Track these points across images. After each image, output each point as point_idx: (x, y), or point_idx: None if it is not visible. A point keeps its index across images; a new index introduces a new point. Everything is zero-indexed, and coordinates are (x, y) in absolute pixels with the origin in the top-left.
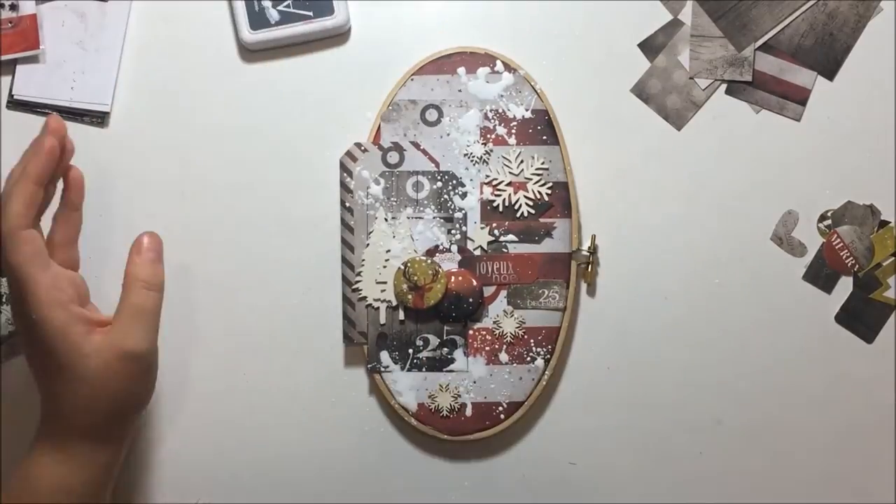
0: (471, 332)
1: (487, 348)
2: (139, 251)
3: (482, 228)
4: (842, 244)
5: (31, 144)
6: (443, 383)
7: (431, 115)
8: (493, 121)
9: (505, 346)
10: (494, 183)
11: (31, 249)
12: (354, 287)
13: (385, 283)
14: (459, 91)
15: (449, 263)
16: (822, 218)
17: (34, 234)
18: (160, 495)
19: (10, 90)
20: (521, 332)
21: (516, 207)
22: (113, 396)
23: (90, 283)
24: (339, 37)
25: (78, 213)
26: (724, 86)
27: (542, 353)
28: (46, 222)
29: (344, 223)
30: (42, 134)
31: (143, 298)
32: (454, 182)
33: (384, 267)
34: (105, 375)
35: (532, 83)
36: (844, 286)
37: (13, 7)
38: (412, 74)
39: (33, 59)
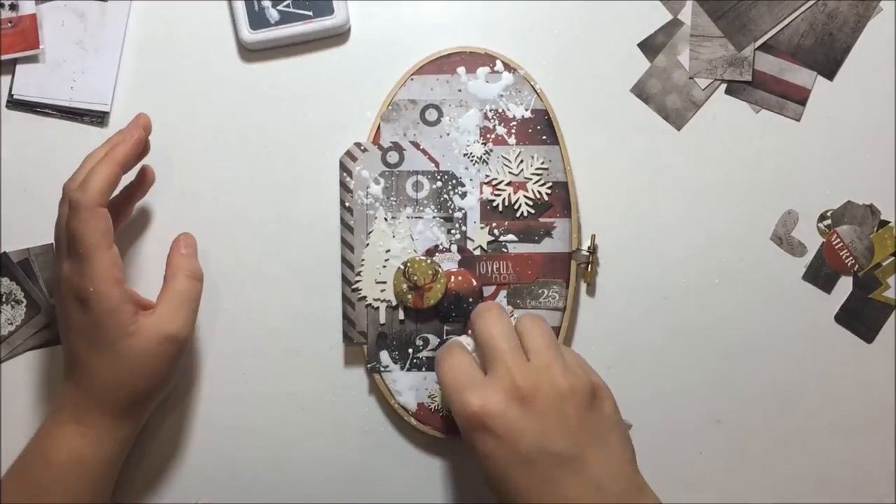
0: (470, 331)
1: None
2: (181, 246)
3: (482, 228)
4: (842, 244)
5: (118, 133)
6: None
7: (431, 114)
8: (492, 120)
9: None
10: (494, 183)
11: (103, 226)
12: (354, 287)
13: (385, 282)
14: (459, 91)
15: (449, 263)
16: (822, 218)
17: (106, 213)
18: (160, 495)
19: (10, 90)
20: None
21: (516, 207)
22: (146, 376)
23: None
24: (339, 37)
25: (132, 206)
26: (724, 86)
27: None
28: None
29: (344, 223)
30: (133, 125)
31: (188, 286)
32: (454, 182)
33: (384, 267)
34: (145, 355)
35: (532, 83)
36: (844, 286)
37: (13, 7)
38: (412, 74)
39: (33, 59)
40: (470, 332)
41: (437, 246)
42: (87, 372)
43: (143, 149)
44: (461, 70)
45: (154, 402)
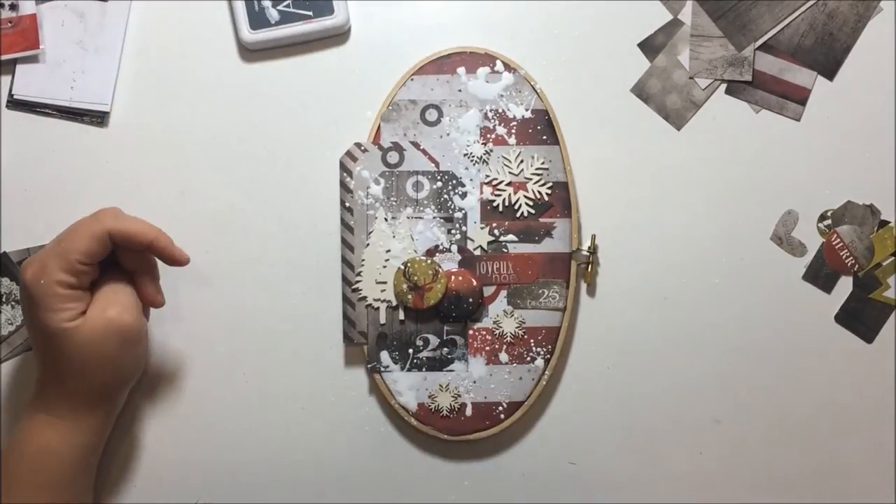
0: (471, 332)
1: (487, 348)
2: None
3: (482, 228)
4: (842, 244)
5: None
6: (443, 383)
7: (431, 114)
8: (492, 121)
9: (505, 346)
10: (494, 183)
11: (98, 249)
12: (354, 287)
13: (385, 283)
14: (459, 91)
15: (449, 263)
16: (822, 218)
17: (109, 245)
18: (160, 495)
19: (10, 90)
20: (521, 332)
21: (516, 207)
22: (100, 364)
23: None
24: (339, 37)
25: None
26: (724, 86)
27: (542, 353)
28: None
29: (344, 223)
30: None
31: (124, 274)
32: (454, 182)
33: (384, 267)
34: (92, 344)
35: (532, 83)
36: (844, 286)
37: (13, 7)
38: (412, 74)
39: (33, 59)
40: None
41: (437, 246)
42: (48, 365)
43: (159, 256)
44: (461, 70)
45: (122, 391)
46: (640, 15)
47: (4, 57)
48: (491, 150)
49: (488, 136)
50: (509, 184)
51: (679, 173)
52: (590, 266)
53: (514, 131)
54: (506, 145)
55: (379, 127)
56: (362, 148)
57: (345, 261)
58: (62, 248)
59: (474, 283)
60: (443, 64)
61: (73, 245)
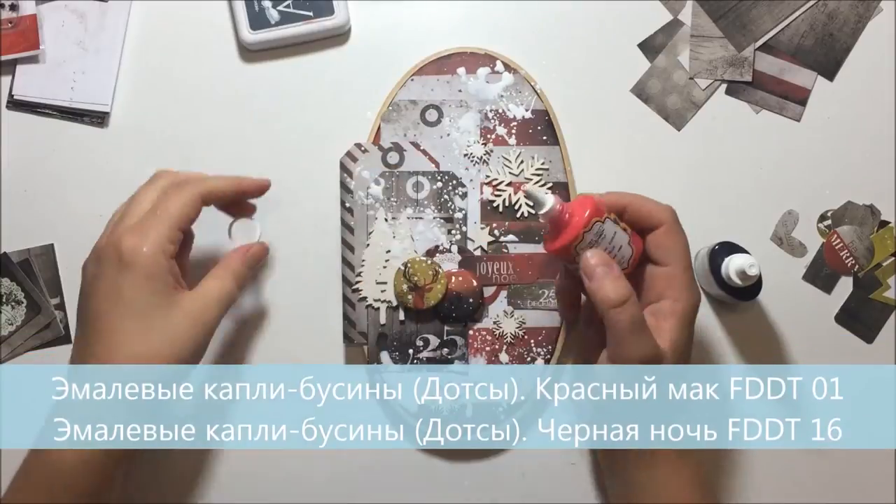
0: (471, 332)
1: (487, 348)
2: (247, 250)
3: (482, 228)
4: (842, 244)
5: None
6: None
7: (431, 115)
8: (493, 121)
9: (505, 346)
10: (494, 183)
11: (190, 213)
12: (354, 287)
13: (385, 283)
14: (459, 91)
15: (449, 263)
16: (822, 218)
17: (201, 208)
18: (160, 496)
19: (10, 90)
20: (521, 332)
21: (516, 207)
22: (173, 355)
23: None
24: (339, 37)
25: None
26: (724, 86)
27: (542, 353)
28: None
29: (344, 223)
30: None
31: (231, 286)
32: (454, 182)
33: (384, 267)
34: (176, 330)
35: (532, 83)
36: (844, 286)
37: (13, 7)
38: (412, 75)
39: (33, 59)
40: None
41: (437, 246)
42: (113, 344)
43: (247, 192)
44: (461, 70)
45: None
46: (640, 15)
47: (4, 57)
48: (491, 151)
49: (488, 136)
50: (509, 184)
51: (679, 173)
52: None
53: (514, 132)
54: (506, 145)
55: (379, 127)
56: (362, 148)
57: (345, 261)
58: (160, 216)
59: (474, 283)
60: (443, 64)
61: (172, 212)
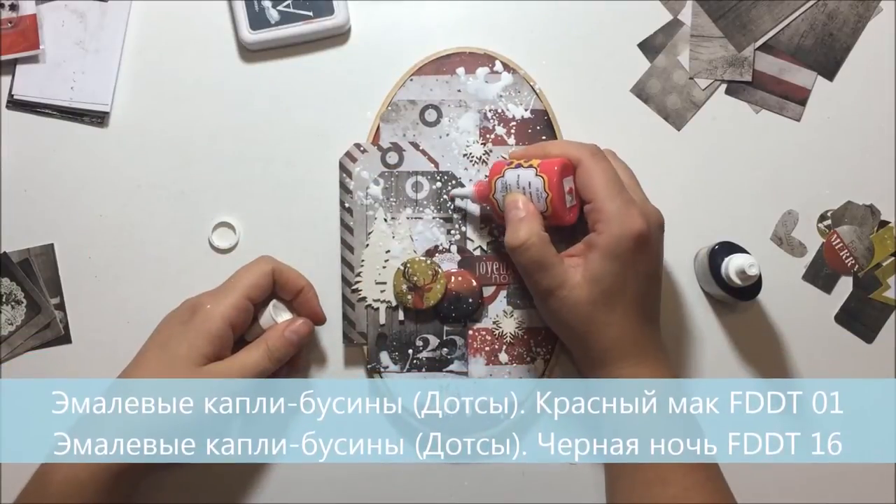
0: (471, 332)
1: (487, 348)
2: (289, 327)
3: (482, 229)
4: (842, 244)
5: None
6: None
7: (430, 115)
8: (492, 121)
9: (505, 346)
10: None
11: (264, 285)
12: (354, 288)
13: (385, 283)
14: (458, 91)
15: (448, 263)
16: (822, 218)
17: (271, 283)
18: (161, 495)
19: (10, 90)
20: (520, 332)
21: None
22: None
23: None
24: (339, 37)
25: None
26: (724, 86)
27: (542, 353)
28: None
29: (343, 224)
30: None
31: (266, 362)
32: (454, 182)
33: (384, 267)
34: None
35: (531, 83)
36: (844, 286)
37: (13, 7)
38: (411, 75)
39: (33, 59)
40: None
41: (436, 246)
42: (130, 369)
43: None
44: (460, 70)
45: None
46: (640, 15)
47: (4, 57)
48: (490, 151)
49: (488, 136)
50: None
51: (679, 173)
52: None
53: (513, 131)
54: (505, 145)
55: (378, 127)
56: (362, 148)
57: (344, 261)
58: (233, 283)
59: (474, 283)
60: (442, 64)
61: (244, 282)
